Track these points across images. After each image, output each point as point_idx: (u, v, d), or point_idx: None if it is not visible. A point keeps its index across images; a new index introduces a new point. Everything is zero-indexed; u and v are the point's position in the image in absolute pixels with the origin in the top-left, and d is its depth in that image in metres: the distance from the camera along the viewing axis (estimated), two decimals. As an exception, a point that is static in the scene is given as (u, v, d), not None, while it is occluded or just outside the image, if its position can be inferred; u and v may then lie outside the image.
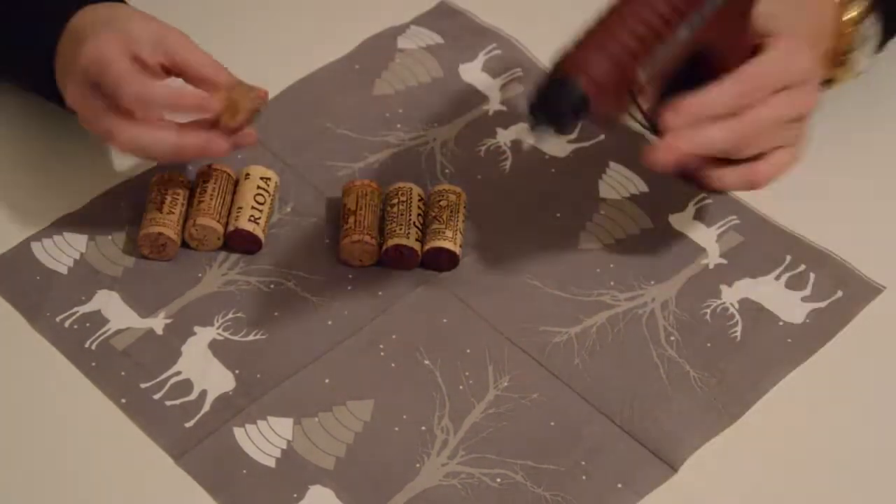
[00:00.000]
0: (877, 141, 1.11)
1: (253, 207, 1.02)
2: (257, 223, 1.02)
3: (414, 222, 1.01)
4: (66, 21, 1.00)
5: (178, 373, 0.96)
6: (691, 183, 0.97)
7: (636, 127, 0.94)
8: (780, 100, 0.93)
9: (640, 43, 0.87)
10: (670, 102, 0.91)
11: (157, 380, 0.96)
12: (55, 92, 1.01)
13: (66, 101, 1.00)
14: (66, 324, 0.98)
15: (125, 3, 1.04)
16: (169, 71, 0.99)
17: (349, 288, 1.01)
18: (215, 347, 0.98)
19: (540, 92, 0.87)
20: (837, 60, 1.04)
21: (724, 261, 1.03)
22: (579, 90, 0.86)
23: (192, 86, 0.99)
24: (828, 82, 1.05)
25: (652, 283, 1.02)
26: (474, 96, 1.13)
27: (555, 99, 0.87)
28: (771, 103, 0.93)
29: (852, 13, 1.02)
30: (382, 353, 0.98)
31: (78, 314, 0.99)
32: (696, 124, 0.91)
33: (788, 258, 1.03)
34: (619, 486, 0.92)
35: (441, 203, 1.02)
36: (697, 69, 0.92)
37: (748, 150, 0.94)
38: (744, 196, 1.06)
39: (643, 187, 1.07)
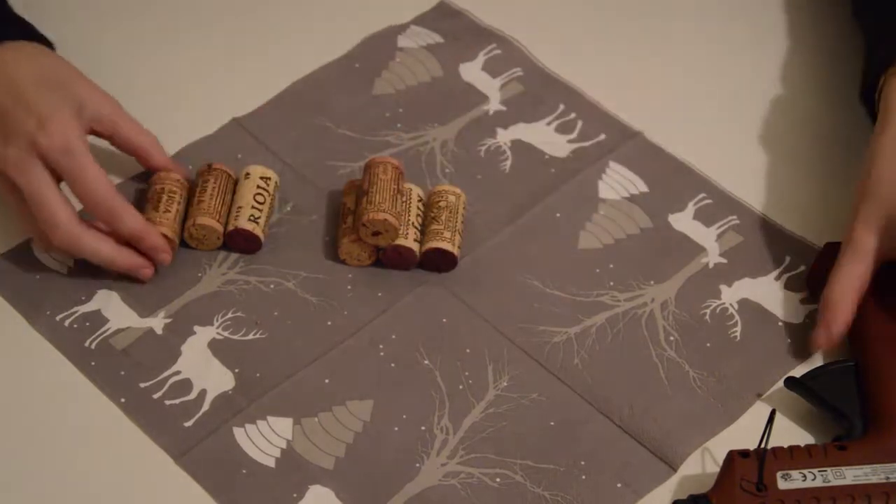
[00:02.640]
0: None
1: (253, 207, 1.02)
2: (257, 223, 1.02)
3: (412, 223, 1.01)
4: None
5: (178, 372, 0.96)
6: None
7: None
8: None
9: None
10: None
11: (157, 379, 0.96)
12: None
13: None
14: (66, 323, 0.98)
15: (46, 42, 1.03)
16: (99, 135, 1.01)
17: (349, 288, 1.01)
18: (215, 347, 0.98)
19: None
20: None
21: (723, 260, 1.03)
22: None
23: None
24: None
25: (651, 283, 1.02)
26: (474, 96, 1.13)
27: None
28: None
29: None
30: (382, 353, 0.98)
31: (78, 314, 0.99)
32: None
33: (788, 258, 1.03)
34: (619, 485, 0.92)
35: (440, 204, 1.02)
36: None
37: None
38: (743, 196, 1.06)
39: (643, 187, 1.07)
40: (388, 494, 0.91)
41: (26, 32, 1.03)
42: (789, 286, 1.02)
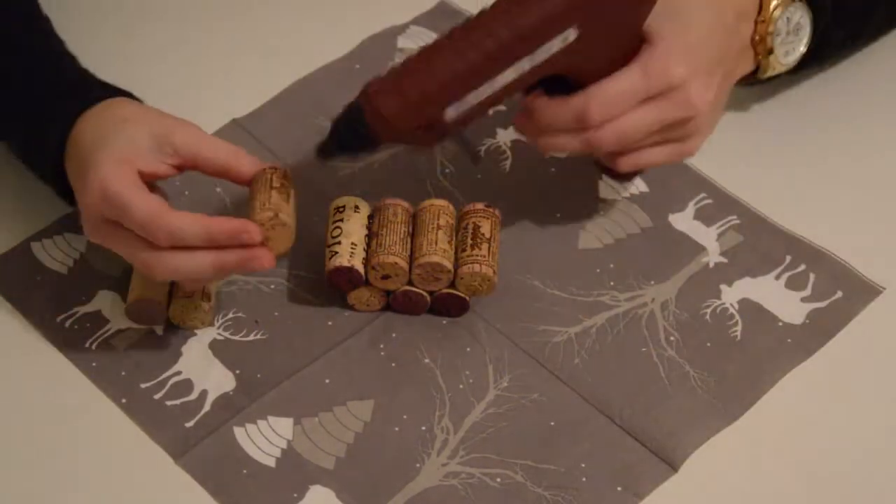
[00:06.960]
0: (877, 141, 1.11)
1: (253, 207, 1.02)
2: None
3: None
4: (69, 128, 0.94)
5: (179, 373, 0.96)
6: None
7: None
8: (643, 112, 0.94)
9: (441, 89, 0.89)
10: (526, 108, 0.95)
11: (158, 380, 0.96)
12: (62, 189, 0.98)
13: (84, 228, 0.93)
14: (67, 324, 0.98)
15: (129, 95, 0.98)
16: (184, 167, 0.93)
17: (349, 288, 1.01)
18: (215, 347, 0.98)
19: (337, 118, 0.92)
20: (763, 48, 1.01)
21: (724, 259, 1.03)
22: (365, 127, 0.91)
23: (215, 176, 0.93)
24: (755, 72, 1.03)
25: (652, 282, 1.02)
26: (474, 96, 1.13)
27: (345, 129, 0.92)
28: (633, 116, 0.94)
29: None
30: (382, 353, 0.98)
31: (78, 314, 0.99)
32: (545, 133, 0.95)
33: (788, 258, 1.03)
34: (619, 487, 0.92)
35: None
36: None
37: (616, 150, 0.96)
38: (744, 196, 1.07)
39: (643, 187, 1.07)
40: (388, 494, 0.91)
41: (107, 91, 0.98)
42: (789, 286, 1.02)
